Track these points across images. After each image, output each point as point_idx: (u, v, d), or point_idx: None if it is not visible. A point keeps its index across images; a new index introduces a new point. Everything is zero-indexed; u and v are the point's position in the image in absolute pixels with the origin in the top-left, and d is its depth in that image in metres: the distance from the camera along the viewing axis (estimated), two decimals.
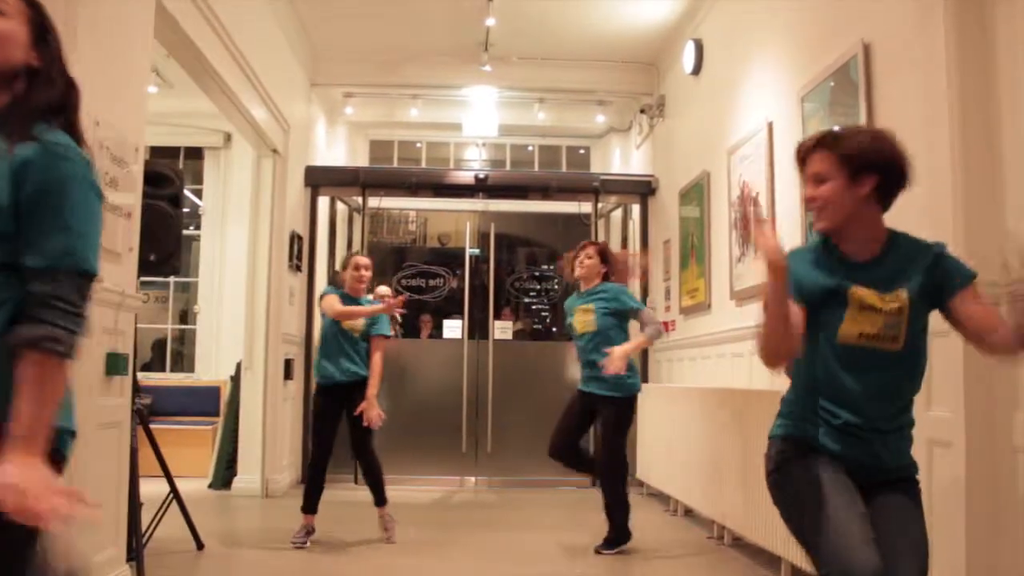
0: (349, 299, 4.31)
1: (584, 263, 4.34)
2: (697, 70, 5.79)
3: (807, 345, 1.89)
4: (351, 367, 4.28)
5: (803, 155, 1.95)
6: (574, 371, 6.82)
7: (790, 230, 4.14)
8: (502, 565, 3.95)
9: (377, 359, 4.30)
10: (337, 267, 4.42)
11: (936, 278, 1.85)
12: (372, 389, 4.23)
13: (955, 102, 2.70)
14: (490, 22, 6.06)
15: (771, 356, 1.86)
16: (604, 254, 4.39)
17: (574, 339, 4.36)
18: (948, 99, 2.72)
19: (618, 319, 4.25)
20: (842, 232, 1.89)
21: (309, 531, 4.23)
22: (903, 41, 3.14)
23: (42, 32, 1.38)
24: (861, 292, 1.83)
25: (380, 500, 4.33)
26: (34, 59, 1.36)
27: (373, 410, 4.19)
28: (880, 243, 1.90)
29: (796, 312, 1.84)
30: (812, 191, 1.90)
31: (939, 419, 2.68)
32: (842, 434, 1.86)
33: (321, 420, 4.31)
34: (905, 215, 3.09)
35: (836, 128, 2.01)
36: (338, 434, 4.34)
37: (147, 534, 3.61)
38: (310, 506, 4.24)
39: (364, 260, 4.41)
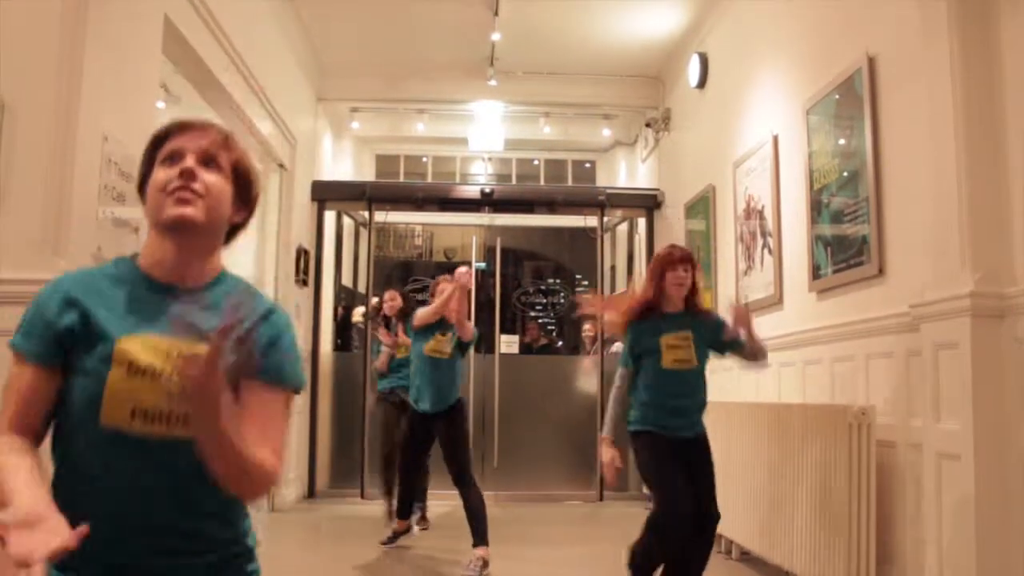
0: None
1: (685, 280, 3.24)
2: (702, 84, 5.81)
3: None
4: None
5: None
6: (581, 384, 6.84)
7: (796, 243, 4.13)
8: None
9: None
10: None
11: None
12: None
13: (960, 114, 2.70)
14: (496, 37, 6.10)
15: None
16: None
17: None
18: (953, 111, 2.71)
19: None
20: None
21: (401, 533, 4.63)
22: (908, 54, 3.15)
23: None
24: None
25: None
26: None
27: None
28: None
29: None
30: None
31: (948, 432, 2.66)
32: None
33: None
34: (912, 227, 3.09)
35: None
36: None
37: None
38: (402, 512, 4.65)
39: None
